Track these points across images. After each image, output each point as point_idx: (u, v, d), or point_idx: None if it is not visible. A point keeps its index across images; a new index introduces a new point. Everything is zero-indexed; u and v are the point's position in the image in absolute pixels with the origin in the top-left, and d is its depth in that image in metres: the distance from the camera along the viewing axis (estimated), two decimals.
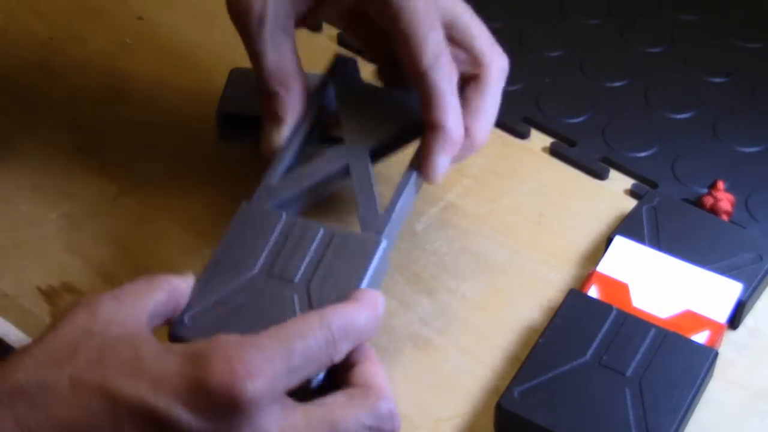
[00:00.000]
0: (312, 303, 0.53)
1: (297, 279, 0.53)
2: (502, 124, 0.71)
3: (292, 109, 0.60)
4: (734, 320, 0.60)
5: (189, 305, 0.52)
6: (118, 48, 0.76)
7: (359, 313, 0.50)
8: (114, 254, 0.63)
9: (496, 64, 0.60)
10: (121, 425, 0.44)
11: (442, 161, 0.58)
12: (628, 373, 0.55)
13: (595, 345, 0.56)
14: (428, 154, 0.57)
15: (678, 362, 0.56)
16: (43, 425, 0.44)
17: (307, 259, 0.54)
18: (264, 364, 0.45)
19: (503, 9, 0.79)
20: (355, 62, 0.62)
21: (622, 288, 0.60)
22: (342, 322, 0.49)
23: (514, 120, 0.71)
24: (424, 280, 0.63)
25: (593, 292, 0.60)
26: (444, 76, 0.57)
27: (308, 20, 0.62)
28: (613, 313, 0.58)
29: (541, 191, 0.68)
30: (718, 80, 0.75)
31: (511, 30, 0.78)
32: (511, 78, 0.74)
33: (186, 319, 0.52)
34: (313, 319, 0.48)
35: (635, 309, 0.59)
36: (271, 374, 0.45)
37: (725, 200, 0.65)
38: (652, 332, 0.57)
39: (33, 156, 0.69)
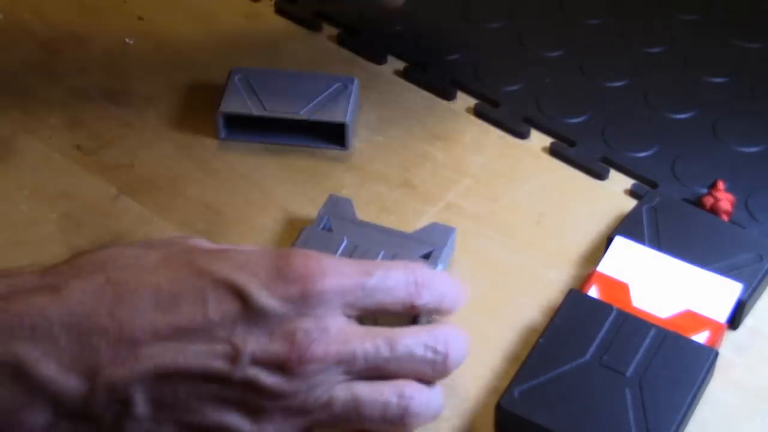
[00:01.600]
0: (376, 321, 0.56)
1: None
2: (502, 124, 0.71)
3: None
4: (734, 320, 0.60)
5: None
6: (118, 48, 0.76)
7: (445, 280, 0.53)
8: None
9: None
10: (204, 293, 0.48)
11: None
12: (628, 373, 0.55)
13: (595, 345, 0.56)
14: None
15: (678, 362, 0.56)
16: (132, 283, 0.48)
17: None
18: (339, 269, 0.49)
19: (503, 9, 0.79)
20: (349, 201, 0.64)
21: (622, 288, 0.60)
22: (427, 274, 0.52)
23: (514, 120, 0.71)
24: None
25: (593, 292, 0.60)
26: None
27: None
28: (613, 313, 0.58)
29: (541, 191, 0.68)
30: (718, 80, 0.75)
31: (511, 30, 0.78)
32: (511, 78, 0.74)
33: None
34: (399, 262, 0.52)
35: (635, 309, 0.59)
36: (344, 281, 0.49)
37: (725, 200, 0.65)
38: (652, 332, 0.57)
39: (33, 156, 0.69)
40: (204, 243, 0.53)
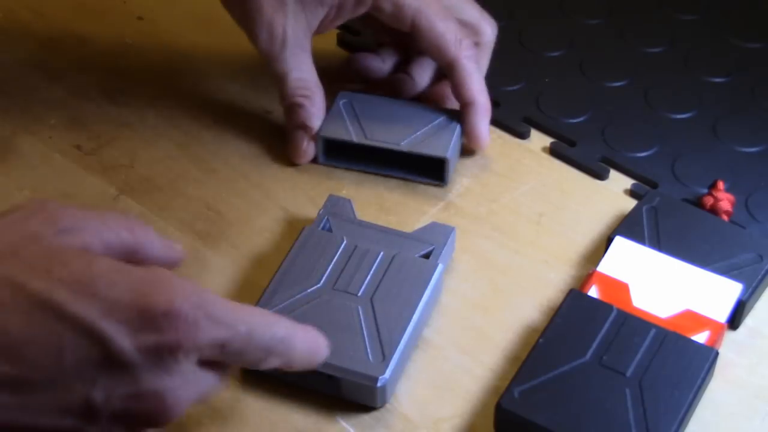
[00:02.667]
0: (376, 316, 0.57)
1: (360, 293, 0.58)
2: (502, 124, 0.71)
3: (317, 117, 0.67)
4: (734, 320, 0.60)
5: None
6: (118, 48, 0.76)
7: (300, 340, 0.50)
8: None
9: (486, 37, 0.70)
10: (62, 342, 0.43)
11: (484, 128, 0.68)
12: (629, 373, 0.55)
13: (595, 345, 0.56)
14: (473, 127, 0.67)
15: (678, 362, 0.56)
16: None
17: (368, 279, 0.59)
18: (210, 322, 0.45)
19: (503, 9, 0.79)
20: (349, 202, 0.64)
21: (622, 288, 0.60)
22: (285, 339, 0.49)
23: (514, 120, 0.71)
24: None
25: (593, 292, 0.60)
26: (470, 60, 0.67)
27: (319, 30, 0.68)
28: (613, 313, 0.58)
29: (541, 191, 0.68)
30: (718, 80, 0.75)
31: (511, 30, 0.78)
32: (511, 78, 0.74)
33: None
34: (266, 318, 0.49)
35: (635, 309, 0.59)
36: (211, 338, 0.45)
37: (725, 200, 0.65)
38: (653, 332, 0.57)
39: (33, 156, 0.69)
40: (63, 223, 0.46)
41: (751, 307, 0.61)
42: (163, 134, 0.70)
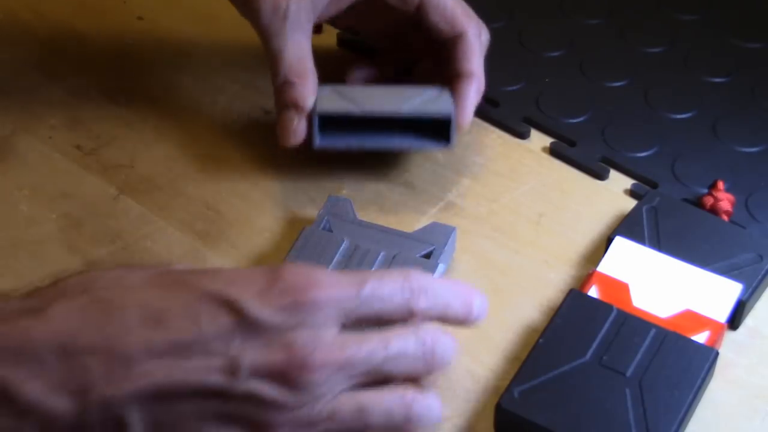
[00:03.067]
0: None
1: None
2: (502, 124, 0.71)
3: (310, 97, 0.64)
4: (734, 320, 0.60)
5: None
6: (118, 48, 0.76)
7: (446, 286, 0.52)
8: (114, 254, 0.63)
9: (485, 31, 0.70)
10: (196, 307, 0.46)
11: (473, 103, 0.66)
12: (629, 373, 0.55)
13: (595, 345, 0.56)
14: (464, 100, 0.66)
15: (678, 362, 0.56)
16: (119, 301, 0.46)
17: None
18: (333, 280, 0.48)
19: (503, 9, 0.79)
20: (349, 202, 0.63)
21: (622, 288, 0.60)
22: (424, 280, 0.50)
23: (514, 120, 0.71)
24: None
25: (593, 292, 0.60)
26: (477, 36, 0.68)
27: (324, 15, 0.67)
28: (613, 313, 0.58)
29: (541, 191, 0.68)
30: (718, 80, 0.75)
31: (511, 30, 0.78)
32: (511, 78, 0.74)
33: None
34: (395, 271, 0.51)
35: (635, 309, 0.59)
36: (338, 291, 0.48)
37: (725, 200, 0.65)
38: (653, 332, 0.57)
39: (33, 156, 0.69)
40: (188, 267, 0.51)
41: (751, 307, 0.61)
42: (163, 134, 0.70)
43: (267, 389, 0.47)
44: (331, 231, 0.62)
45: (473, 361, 0.59)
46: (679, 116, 0.72)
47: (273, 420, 0.47)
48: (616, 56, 0.77)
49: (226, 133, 0.70)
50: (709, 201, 0.65)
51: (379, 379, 0.49)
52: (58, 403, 0.45)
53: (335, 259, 0.60)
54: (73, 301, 0.46)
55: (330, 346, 0.48)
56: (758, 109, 0.73)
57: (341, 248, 0.60)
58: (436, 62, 0.69)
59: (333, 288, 0.48)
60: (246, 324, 0.47)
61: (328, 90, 0.66)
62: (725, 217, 0.65)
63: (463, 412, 0.57)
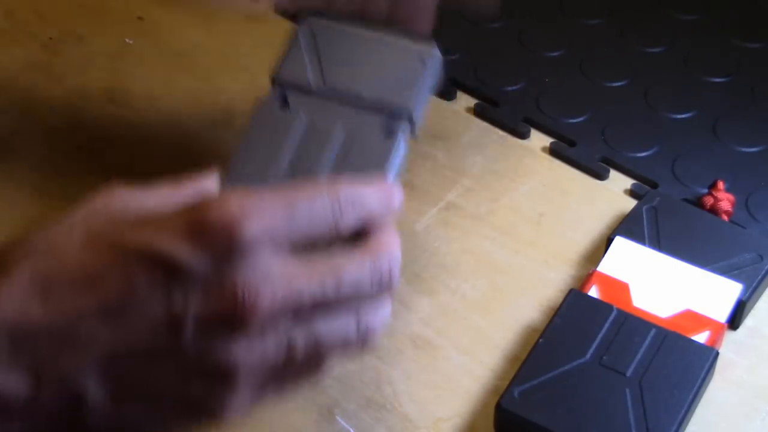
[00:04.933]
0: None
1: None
2: (502, 124, 0.71)
3: None
4: (734, 320, 0.60)
5: None
6: (118, 48, 0.76)
7: (369, 191, 0.50)
8: None
9: None
10: (129, 268, 0.45)
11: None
12: (629, 373, 0.55)
13: (595, 345, 0.56)
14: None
15: (678, 362, 0.56)
16: (56, 271, 0.45)
17: (329, 160, 0.54)
18: (262, 208, 0.46)
19: (503, 9, 0.79)
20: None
21: (622, 288, 0.60)
22: (350, 192, 0.49)
23: (514, 120, 0.71)
24: (424, 280, 0.63)
25: (593, 292, 0.60)
26: None
27: None
28: (614, 312, 0.58)
29: (541, 191, 0.68)
30: (718, 80, 0.75)
31: (511, 30, 0.78)
32: (511, 78, 0.74)
33: None
34: (321, 185, 0.49)
35: (635, 309, 0.59)
36: (270, 219, 0.46)
37: (725, 200, 0.65)
38: (653, 332, 0.57)
39: (33, 156, 0.69)
40: (126, 198, 0.49)
41: (751, 307, 0.61)
42: (163, 134, 0.70)
43: (215, 338, 0.45)
44: (288, 107, 0.56)
45: (473, 361, 0.59)
46: (679, 116, 0.72)
47: (231, 367, 0.46)
48: (616, 56, 0.77)
49: (226, 134, 0.70)
50: (709, 201, 0.65)
51: (329, 307, 0.48)
52: (11, 383, 0.44)
53: (288, 146, 0.55)
54: (14, 277, 0.46)
55: (274, 284, 0.46)
56: (758, 109, 0.73)
57: (297, 131, 0.55)
58: None
59: (262, 218, 0.46)
60: (180, 275, 0.45)
61: (307, 40, 0.59)
62: (725, 217, 0.65)
63: (463, 411, 0.57)
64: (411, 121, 0.57)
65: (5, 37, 0.77)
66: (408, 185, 0.67)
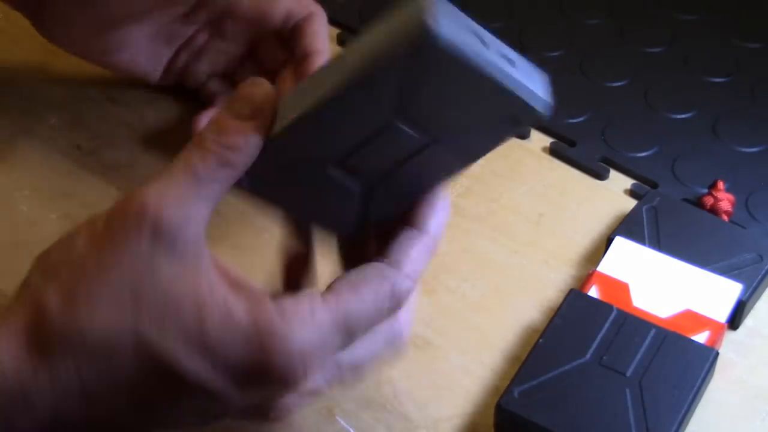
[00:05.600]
0: None
1: None
2: None
3: None
4: (734, 320, 0.60)
5: None
6: None
7: (421, 258, 0.49)
8: None
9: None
10: (178, 394, 0.45)
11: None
12: (629, 373, 0.55)
13: (595, 345, 0.56)
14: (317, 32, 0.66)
15: (678, 362, 0.56)
16: (104, 382, 0.44)
17: None
18: (323, 355, 0.46)
19: (503, 9, 0.80)
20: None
21: (622, 288, 0.60)
22: (405, 283, 0.48)
23: None
24: (424, 280, 0.62)
25: (593, 292, 0.60)
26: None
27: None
28: (614, 313, 0.58)
29: (541, 191, 0.68)
30: (718, 80, 0.75)
31: (511, 30, 0.78)
32: None
33: None
34: (381, 292, 0.47)
35: (635, 309, 0.59)
36: (325, 372, 0.48)
37: (725, 200, 0.65)
38: (653, 332, 0.57)
39: (33, 156, 0.69)
40: (171, 234, 0.45)
41: (751, 307, 0.61)
42: (163, 134, 0.70)
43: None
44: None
45: (473, 361, 0.59)
46: (679, 116, 0.72)
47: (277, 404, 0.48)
48: (616, 56, 0.77)
49: None
50: (709, 201, 0.65)
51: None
52: None
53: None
54: (56, 371, 0.44)
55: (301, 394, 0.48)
56: (758, 109, 0.73)
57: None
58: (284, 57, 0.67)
59: (320, 361, 0.46)
60: (226, 409, 0.47)
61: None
62: (725, 217, 0.65)
63: (463, 412, 0.57)
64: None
65: (5, 37, 0.77)
66: None
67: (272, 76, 0.66)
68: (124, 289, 0.44)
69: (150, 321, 0.44)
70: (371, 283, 0.47)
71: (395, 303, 0.47)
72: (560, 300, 0.59)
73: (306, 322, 0.45)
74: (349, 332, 0.46)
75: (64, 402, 0.44)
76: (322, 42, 0.65)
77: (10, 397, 0.43)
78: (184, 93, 0.73)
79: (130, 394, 0.45)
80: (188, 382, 0.44)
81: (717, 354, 0.57)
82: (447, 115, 0.45)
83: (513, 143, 0.71)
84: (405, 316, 0.50)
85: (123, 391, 0.44)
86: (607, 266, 0.61)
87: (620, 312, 0.58)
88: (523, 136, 0.71)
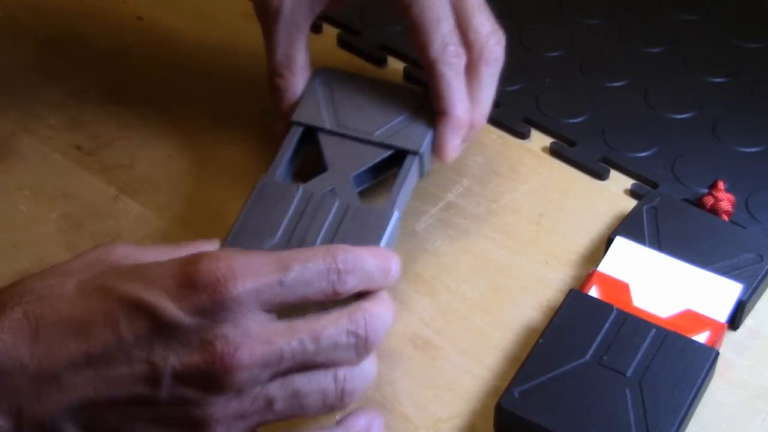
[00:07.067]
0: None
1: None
2: (502, 124, 0.71)
3: (296, 86, 0.64)
4: (734, 320, 0.60)
5: None
6: (118, 48, 0.76)
7: (368, 256, 0.51)
8: None
9: (489, 53, 0.63)
10: (116, 317, 0.47)
11: (453, 144, 0.62)
12: (629, 373, 0.55)
13: (595, 345, 0.56)
14: (440, 137, 0.62)
15: (679, 362, 0.56)
16: (48, 315, 0.47)
17: (324, 230, 0.57)
18: (254, 268, 0.48)
19: (503, 9, 0.79)
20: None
21: (622, 288, 0.60)
22: (349, 256, 0.50)
23: (514, 120, 0.71)
24: (424, 280, 0.63)
25: (593, 292, 0.60)
26: (450, 67, 0.62)
27: (328, 10, 0.66)
28: (614, 313, 0.58)
29: (541, 191, 0.68)
30: (718, 80, 0.75)
31: (511, 30, 0.77)
32: (511, 78, 0.74)
33: None
34: (318, 248, 0.50)
35: (635, 309, 0.59)
36: (258, 281, 0.47)
37: (725, 200, 0.65)
38: (653, 332, 0.57)
39: (33, 156, 0.69)
40: (125, 252, 0.51)
41: (751, 307, 0.61)
42: (163, 134, 0.70)
43: (192, 392, 0.47)
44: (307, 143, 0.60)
45: (473, 361, 0.59)
46: (679, 116, 0.72)
47: (206, 419, 0.47)
48: (616, 56, 0.77)
49: (227, 133, 0.70)
50: (709, 201, 0.65)
51: (309, 366, 0.49)
52: None
53: (288, 215, 0.58)
54: (7, 319, 0.47)
55: (253, 342, 0.47)
56: (758, 109, 0.73)
57: (294, 200, 0.58)
58: None
59: (252, 279, 0.47)
60: (164, 328, 0.47)
61: (320, 92, 0.65)
62: (725, 217, 0.65)
63: (463, 412, 0.57)
64: (421, 161, 0.62)
65: (5, 37, 0.77)
66: None
67: None
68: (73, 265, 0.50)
69: (94, 275, 0.49)
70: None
71: (334, 273, 0.50)
72: (560, 300, 0.59)
73: (238, 251, 0.49)
74: (285, 269, 0.48)
75: (12, 342, 0.46)
76: (442, 101, 0.62)
77: None
78: (185, 93, 0.73)
79: (74, 335, 0.47)
80: (126, 299, 0.47)
81: (717, 354, 0.57)
82: None
83: (513, 143, 0.71)
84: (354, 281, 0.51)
85: (67, 329, 0.47)
86: (607, 266, 0.61)
87: (620, 312, 0.58)
88: (523, 136, 0.71)
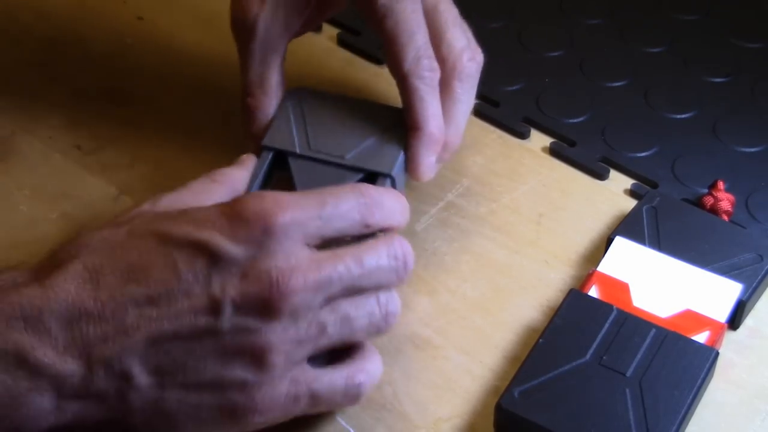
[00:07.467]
0: None
1: None
2: (502, 124, 0.71)
3: (268, 107, 0.64)
4: (734, 320, 0.60)
5: None
6: (118, 48, 0.76)
7: (390, 197, 0.55)
8: None
9: (462, 69, 0.62)
10: (171, 257, 0.50)
11: (427, 161, 0.61)
12: (629, 373, 0.55)
13: (595, 345, 0.56)
14: (413, 155, 0.61)
15: (679, 362, 0.56)
16: (106, 265, 0.50)
17: None
18: (295, 203, 0.51)
19: (503, 9, 0.80)
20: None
21: (622, 288, 0.60)
22: (375, 193, 0.54)
23: (514, 120, 0.71)
24: (424, 280, 0.63)
25: (593, 292, 0.60)
26: (423, 81, 0.60)
27: (303, 30, 0.65)
28: (614, 312, 0.58)
29: (541, 191, 0.68)
30: (718, 80, 0.75)
31: (511, 30, 0.78)
32: (511, 78, 0.74)
33: None
34: (346, 186, 0.54)
35: (635, 309, 0.59)
36: (302, 212, 0.51)
37: (725, 200, 0.65)
38: (653, 332, 0.57)
39: (33, 156, 0.69)
40: (169, 202, 0.55)
41: (751, 307, 0.61)
42: (163, 134, 0.70)
43: (251, 321, 0.49)
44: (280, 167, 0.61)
45: (473, 360, 0.59)
46: (679, 116, 0.72)
47: (266, 346, 0.49)
48: (616, 56, 0.77)
49: (226, 134, 0.70)
50: (709, 201, 0.65)
51: (356, 291, 0.52)
52: (67, 365, 0.48)
53: None
54: (68, 270, 0.49)
55: (304, 269, 0.50)
56: (758, 109, 0.73)
57: None
58: None
59: (295, 210, 0.50)
60: (220, 262, 0.49)
61: (291, 113, 0.63)
62: (725, 217, 0.65)
63: (463, 411, 0.57)
64: (393, 182, 0.60)
65: (5, 37, 0.77)
66: (408, 185, 0.67)
67: None
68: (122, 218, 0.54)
69: (142, 221, 0.52)
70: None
71: (364, 207, 0.53)
72: (560, 300, 0.59)
73: (278, 192, 0.52)
74: (322, 203, 0.52)
75: (76, 291, 0.49)
76: (415, 116, 0.60)
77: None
78: (185, 93, 0.73)
79: (133, 277, 0.49)
80: (181, 240, 0.50)
81: (717, 354, 0.57)
82: None
83: (513, 143, 0.71)
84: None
85: (126, 273, 0.49)
86: (607, 266, 0.61)
87: (620, 312, 0.58)
88: (523, 136, 0.71)
